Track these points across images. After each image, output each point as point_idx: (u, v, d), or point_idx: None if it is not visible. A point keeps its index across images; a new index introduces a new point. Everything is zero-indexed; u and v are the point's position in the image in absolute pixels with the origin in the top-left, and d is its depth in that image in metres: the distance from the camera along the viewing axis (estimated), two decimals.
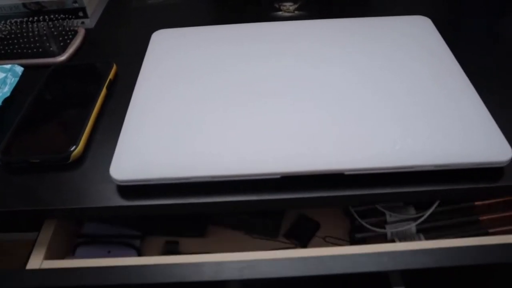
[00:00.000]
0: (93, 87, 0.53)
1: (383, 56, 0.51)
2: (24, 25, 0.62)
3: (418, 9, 0.65)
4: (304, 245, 0.51)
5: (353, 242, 0.50)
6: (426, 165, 0.40)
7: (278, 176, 0.41)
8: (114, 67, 0.56)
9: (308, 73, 0.49)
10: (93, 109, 0.50)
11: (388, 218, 0.50)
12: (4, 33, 0.62)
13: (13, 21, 0.63)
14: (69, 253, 0.52)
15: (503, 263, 0.39)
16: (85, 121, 0.48)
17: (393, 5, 0.67)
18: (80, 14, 0.66)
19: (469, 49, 0.57)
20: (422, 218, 0.49)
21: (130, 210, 0.42)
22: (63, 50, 0.60)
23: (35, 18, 0.64)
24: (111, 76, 0.55)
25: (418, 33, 0.55)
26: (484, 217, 0.50)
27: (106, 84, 0.53)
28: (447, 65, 0.50)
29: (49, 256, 0.46)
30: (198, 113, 0.46)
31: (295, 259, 0.39)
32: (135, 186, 0.42)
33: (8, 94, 0.53)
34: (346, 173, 0.41)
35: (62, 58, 0.59)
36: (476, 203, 0.51)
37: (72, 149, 0.45)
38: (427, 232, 0.50)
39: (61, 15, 0.64)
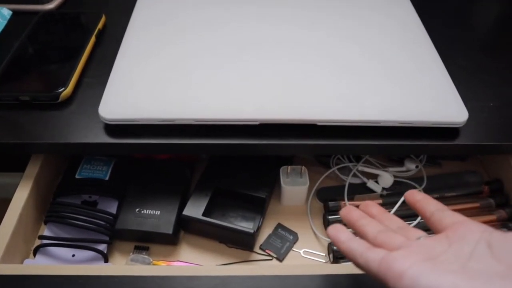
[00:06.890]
0: (82, 35, 0.55)
1: (359, 22, 0.55)
2: None
3: None
4: (280, 259, 0.49)
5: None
6: (391, 120, 0.44)
7: (257, 123, 0.44)
8: (103, 17, 0.58)
9: (288, 33, 0.53)
10: (82, 54, 0.52)
11: None
12: None
13: None
14: (29, 256, 0.47)
15: None
16: (74, 65, 0.50)
17: None
18: None
19: (438, 19, 0.61)
20: None
21: (115, 148, 0.45)
22: None
23: None
24: (99, 25, 0.56)
25: (392, 2, 0.59)
26: None
27: (95, 33, 0.55)
28: (416, 32, 0.54)
29: (6, 259, 0.42)
30: (185, 60, 0.48)
31: (272, 277, 0.39)
32: (122, 126, 0.45)
33: None
34: (319, 123, 0.44)
35: (51, 6, 0.60)
36: None
37: (61, 89, 0.47)
38: None
39: None
